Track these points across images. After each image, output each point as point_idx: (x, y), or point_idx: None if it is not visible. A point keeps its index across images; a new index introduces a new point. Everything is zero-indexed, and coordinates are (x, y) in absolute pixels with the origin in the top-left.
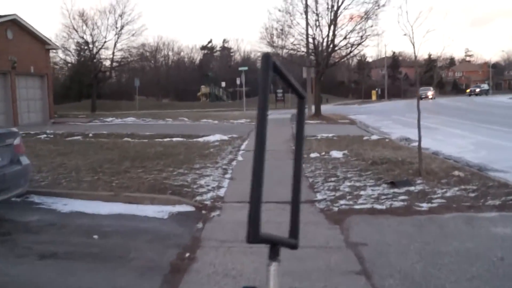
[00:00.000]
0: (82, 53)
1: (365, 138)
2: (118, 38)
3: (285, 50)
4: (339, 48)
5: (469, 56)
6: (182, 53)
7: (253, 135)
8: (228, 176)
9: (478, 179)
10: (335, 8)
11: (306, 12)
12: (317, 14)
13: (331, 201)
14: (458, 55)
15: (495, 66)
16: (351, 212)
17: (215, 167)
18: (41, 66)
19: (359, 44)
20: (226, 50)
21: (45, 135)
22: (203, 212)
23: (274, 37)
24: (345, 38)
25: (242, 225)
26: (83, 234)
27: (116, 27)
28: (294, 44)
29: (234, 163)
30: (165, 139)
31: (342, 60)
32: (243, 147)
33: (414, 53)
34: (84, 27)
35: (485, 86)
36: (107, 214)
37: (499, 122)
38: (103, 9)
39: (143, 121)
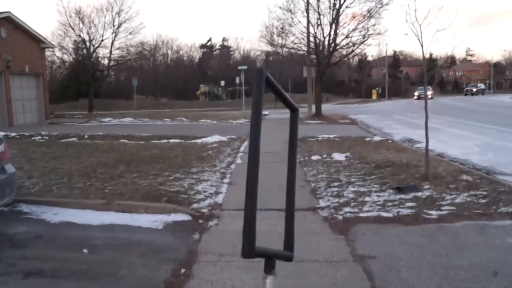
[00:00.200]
0: (79, 51)
1: (367, 139)
2: (115, 36)
3: (285, 49)
4: (341, 47)
5: (470, 55)
6: (181, 52)
7: None
8: (226, 180)
9: (487, 184)
10: (337, 6)
11: (307, 10)
12: (319, 13)
13: (335, 208)
14: (459, 54)
15: (496, 66)
16: (357, 221)
17: (213, 171)
18: (36, 65)
19: (361, 43)
20: (225, 49)
21: (39, 137)
22: (200, 221)
23: (275, 36)
24: (347, 37)
25: (241, 235)
26: (72, 247)
27: (114, 25)
28: (295, 43)
29: (232, 166)
30: (162, 141)
31: (344, 59)
32: (242, 149)
33: (423, 53)
34: (81, 25)
35: (481, 86)
36: (98, 224)
37: (503, 122)
38: (100, 7)
39: (141, 122)
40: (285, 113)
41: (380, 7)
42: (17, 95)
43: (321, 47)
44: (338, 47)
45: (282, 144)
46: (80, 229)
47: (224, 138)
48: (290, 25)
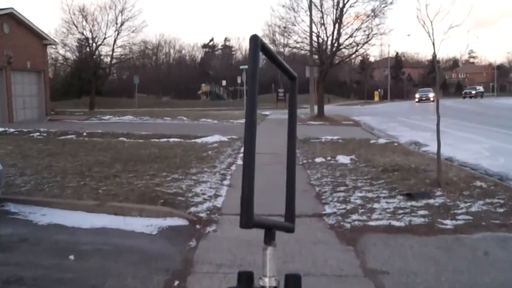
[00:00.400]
0: (83, 49)
1: (372, 141)
2: (118, 34)
3: (288, 49)
4: (345, 47)
5: (473, 57)
6: (183, 51)
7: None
8: (226, 182)
9: (503, 191)
10: (341, 5)
11: (310, 9)
12: (322, 12)
13: (341, 215)
14: (462, 56)
15: (500, 68)
16: (366, 230)
17: (212, 172)
18: (38, 61)
19: (365, 43)
20: (227, 49)
21: (38, 133)
22: (197, 226)
23: (277, 35)
24: (351, 36)
25: (241, 243)
26: (58, 253)
27: (116, 23)
28: (298, 42)
29: (233, 167)
30: (162, 140)
31: (347, 59)
32: (243, 149)
33: (434, 51)
34: (84, 23)
35: (480, 88)
36: (88, 227)
37: (511, 125)
38: (104, 5)
39: (141, 120)
40: (287, 114)
41: (384, 6)
42: (18, 91)
43: (324, 47)
44: (341, 47)
45: (284, 144)
46: (69, 233)
47: (224, 138)
48: (293, 23)
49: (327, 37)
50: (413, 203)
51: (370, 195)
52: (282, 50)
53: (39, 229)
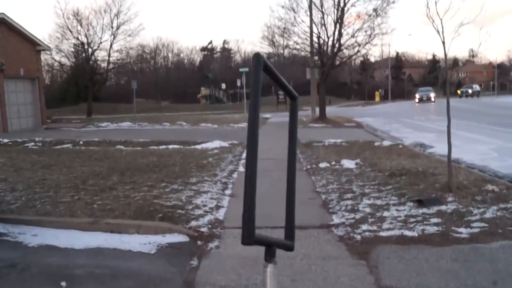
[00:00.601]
0: (79, 55)
1: (376, 144)
2: (114, 38)
3: (287, 50)
4: (346, 48)
5: (473, 56)
6: (181, 55)
7: None
8: (228, 192)
9: None
10: (341, 5)
11: (310, 9)
12: (323, 12)
13: (351, 225)
14: (462, 55)
15: (500, 67)
16: (377, 241)
17: (213, 181)
18: (31, 68)
19: (367, 43)
20: (226, 51)
21: (32, 143)
22: (199, 243)
23: (276, 36)
24: (352, 36)
25: (245, 261)
26: (48, 279)
27: (112, 27)
28: (298, 43)
29: (235, 175)
30: (160, 147)
31: (349, 60)
32: (244, 155)
33: (444, 49)
34: (79, 27)
35: (476, 87)
36: (82, 248)
37: None
38: (98, 8)
39: (139, 126)
40: (288, 117)
41: (386, 5)
42: (12, 99)
43: (325, 48)
44: (342, 48)
45: (285, 149)
46: (61, 254)
47: (225, 144)
48: (293, 24)
49: (328, 38)
50: (425, 210)
51: (379, 202)
52: (282, 51)
53: (29, 252)
